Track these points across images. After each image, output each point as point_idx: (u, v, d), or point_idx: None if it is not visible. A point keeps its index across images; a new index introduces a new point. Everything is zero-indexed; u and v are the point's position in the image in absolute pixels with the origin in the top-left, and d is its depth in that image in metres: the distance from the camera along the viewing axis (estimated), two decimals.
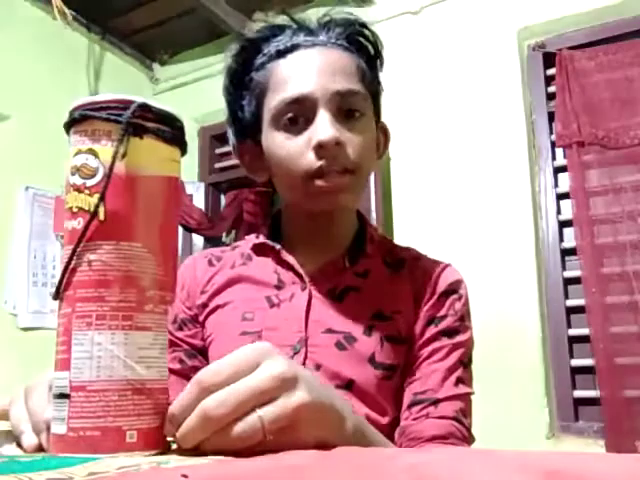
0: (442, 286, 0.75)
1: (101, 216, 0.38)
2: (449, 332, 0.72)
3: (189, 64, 2.74)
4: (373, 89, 0.74)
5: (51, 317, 2.19)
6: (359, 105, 0.70)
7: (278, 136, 0.70)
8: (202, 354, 0.77)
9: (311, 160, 0.67)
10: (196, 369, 0.75)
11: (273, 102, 0.70)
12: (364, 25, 0.74)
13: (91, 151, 0.39)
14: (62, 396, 0.37)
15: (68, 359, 0.38)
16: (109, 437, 0.36)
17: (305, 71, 0.69)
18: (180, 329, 0.77)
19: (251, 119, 0.74)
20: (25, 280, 2.17)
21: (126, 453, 0.36)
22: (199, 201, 2.58)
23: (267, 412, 0.37)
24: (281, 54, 0.71)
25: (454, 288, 0.75)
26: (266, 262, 0.78)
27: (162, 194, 0.41)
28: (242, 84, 0.75)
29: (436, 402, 0.67)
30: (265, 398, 0.38)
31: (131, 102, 0.40)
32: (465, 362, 0.72)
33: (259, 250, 0.79)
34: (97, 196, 0.38)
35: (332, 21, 0.72)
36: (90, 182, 0.39)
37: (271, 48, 0.72)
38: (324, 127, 0.66)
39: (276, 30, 0.73)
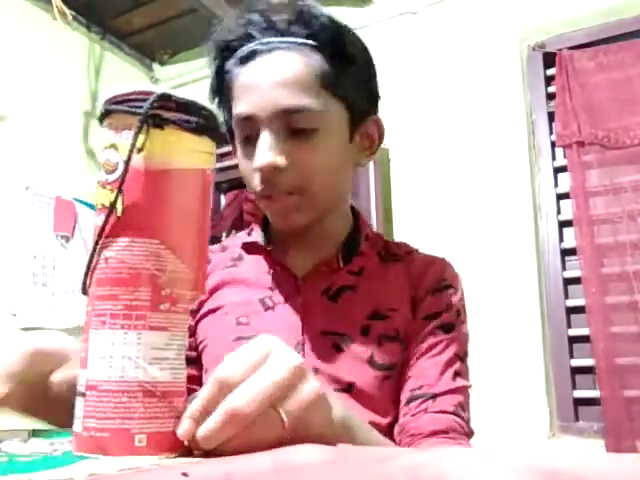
0: (438, 281, 0.74)
1: (119, 212, 0.37)
2: (445, 327, 0.71)
3: (189, 64, 2.74)
4: (345, 92, 0.68)
5: (51, 317, 2.20)
6: (308, 122, 0.65)
7: (239, 151, 0.70)
8: (193, 363, 0.74)
9: (255, 183, 0.67)
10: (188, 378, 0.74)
11: (233, 116, 0.69)
12: (334, 21, 0.68)
13: (113, 146, 0.38)
14: (80, 394, 0.37)
15: (86, 358, 0.37)
16: (117, 439, 0.35)
17: (253, 86, 0.66)
18: None
19: (228, 125, 0.73)
20: (25, 280, 2.17)
21: (134, 457, 0.35)
22: None
23: (286, 405, 0.37)
24: (242, 62, 0.68)
25: (449, 283, 0.74)
26: (258, 262, 0.76)
27: (187, 187, 0.39)
28: (219, 88, 0.73)
29: (434, 396, 0.66)
30: (284, 390, 0.37)
31: (153, 93, 0.38)
32: (462, 356, 0.71)
33: (250, 249, 0.77)
34: (115, 191, 0.37)
35: (300, 19, 0.67)
36: (111, 177, 0.38)
37: (238, 53, 0.68)
38: (260, 152, 0.65)
39: (248, 28, 0.68)
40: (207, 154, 0.40)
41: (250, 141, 0.67)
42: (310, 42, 0.66)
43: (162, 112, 0.38)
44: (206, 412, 0.37)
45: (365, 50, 0.72)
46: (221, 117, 0.75)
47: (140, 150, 0.37)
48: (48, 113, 2.31)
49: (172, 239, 0.38)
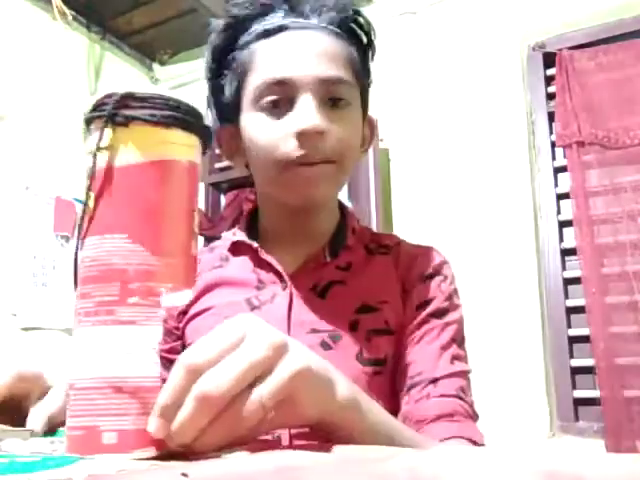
0: (426, 269, 0.73)
1: (91, 212, 0.38)
2: (438, 313, 0.70)
3: (189, 64, 2.74)
4: (362, 80, 0.72)
5: (51, 317, 2.20)
6: (345, 94, 0.67)
7: (258, 118, 0.67)
8: None
9: (291, 147, 0.64)
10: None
11: (256, 82, 0.66)
12: (358, 12, 0.71)
13: (90, 151, 0.39)
14: (67, 394, 0.38)
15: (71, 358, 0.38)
16: (87, 437, 0.35)
17: (291, 53, 0.66)
18: None
19: (231, 99, 0.71)
20: (25, 280, 2.17)
21: (105, 455, 0.34)
22: (199, 201, 2.57)
23: (264, 386, 0.35)
24: (268, 34, 0.67)
25: (438, 270, 0.74)
26: (244, 262, 0.75)
27: (157, 179, 0.39)
28: (225, 63, 0.71)
29: (434, 381, 0.65)
30: (261, 369, 0.35)
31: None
32: (458, 340, 0.70)
33: (237, 249, 0.76)
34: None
35: (325, 5, 0.68)
36: (87, 181, 0.39)
37: (258, 27, 0.68)
38: (307, 114, 0.63)
39: (265, 8, 0.69)
40: (179, 145, 0.40)
41: (279, 106, 0.66)
42: (336, 29, 0.69)
43: (126, 110, 0.38)
44: (177, 404, 0.34)
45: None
46: (211, 101, 0.75)
47: (106, 149, 0.38)
48: (48, 113, 2.31)
49: (141, 232, 0.38)
